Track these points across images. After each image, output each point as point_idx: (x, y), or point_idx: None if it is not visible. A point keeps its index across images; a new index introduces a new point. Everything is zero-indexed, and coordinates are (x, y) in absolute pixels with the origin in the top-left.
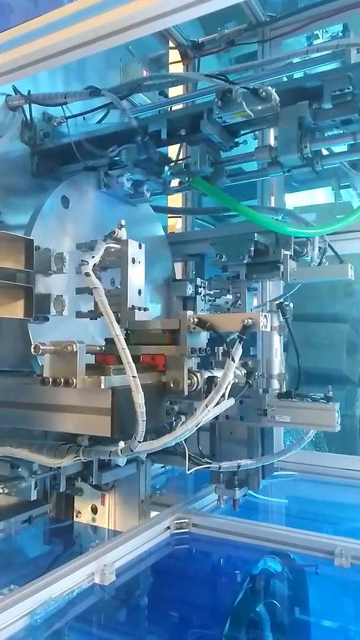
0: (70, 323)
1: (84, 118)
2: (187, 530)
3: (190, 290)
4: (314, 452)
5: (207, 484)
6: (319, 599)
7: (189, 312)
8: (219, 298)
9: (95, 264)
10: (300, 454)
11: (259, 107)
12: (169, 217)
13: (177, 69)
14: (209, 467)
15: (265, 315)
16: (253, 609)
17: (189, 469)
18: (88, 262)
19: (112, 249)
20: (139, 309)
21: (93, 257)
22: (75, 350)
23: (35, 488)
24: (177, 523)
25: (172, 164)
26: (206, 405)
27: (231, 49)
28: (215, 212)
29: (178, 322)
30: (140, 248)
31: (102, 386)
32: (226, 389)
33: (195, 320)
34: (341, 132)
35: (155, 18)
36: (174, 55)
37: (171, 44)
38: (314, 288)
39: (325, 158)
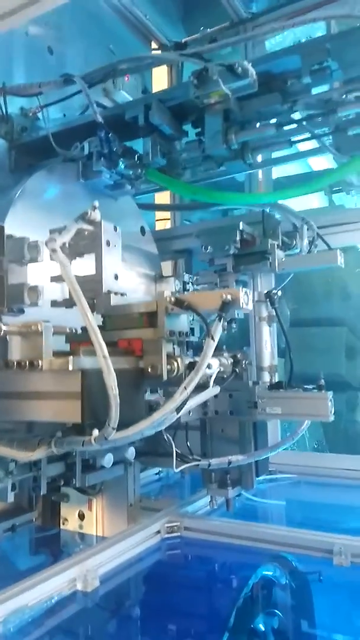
0: (51, 316)
1: (64, 115)
2: (178, 534)
3: (177, 286)
4: (313, 453)
5: (201, 488)
6: (320, 602)
7: (167, 292)
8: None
9: (66, 246)
10: (299, 456)
11: (236, 85)
12: (158, 220)
13: (160, 70)
14: (197, 465)
15: (245, 292)
16: (251, 617)
17: (176, 467)
18: (56, 240)
19: (86, 232)
20: (116, 293)
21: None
22: (40, 330)
23: (12, 490)
24: (167, 527)
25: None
26: (185, 388)
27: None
28: (202, 208)
29: (155, 304)
30: (116, 231)
31: (70, 367)
32: (211, 376)
33: (173, 300)
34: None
35: None
36: None
37: (154, 45)
38: (310, 292)
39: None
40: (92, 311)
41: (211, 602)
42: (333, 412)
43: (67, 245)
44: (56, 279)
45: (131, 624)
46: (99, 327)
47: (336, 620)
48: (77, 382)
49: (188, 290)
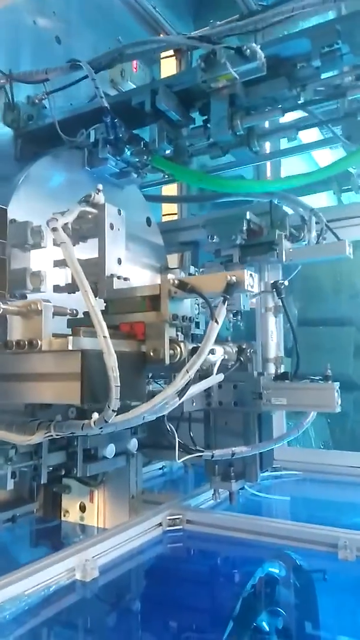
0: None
1: (71, 105)
2: (180, 527)
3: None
4: (318, 450)
5: (204, 483)
6: (324, 596)
7: (170, 275)
8: None
9: (68, 227)
10: (304, 453)
11: (245, 68)
12: (165, 215)
13: (170, 62)
14: (200, 456)
15: (250, 274)
16: (254, 611)
17: (179, 458)
18: (57, 219)
19: (89, 216)
20: (119, 277)
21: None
22: (40, 309)
23: (12, 478)
24: (170, 519)
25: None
26: (187, 371)
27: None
28: (209, 199)
29: (159, 287)
30: (120, 214)
31: (70, 347)
32: (215, 364)
33: (176, 282)
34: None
35: None
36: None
37: None
38: (318, 291)
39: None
40: (95, 296)
41: (213, 595)
42: (339, 403)
43: (69, 226)
44: (59, 263)
45: (130, 616)
46: (102, 311)
47: (341, 615)
48: (77, 363)
49: None
